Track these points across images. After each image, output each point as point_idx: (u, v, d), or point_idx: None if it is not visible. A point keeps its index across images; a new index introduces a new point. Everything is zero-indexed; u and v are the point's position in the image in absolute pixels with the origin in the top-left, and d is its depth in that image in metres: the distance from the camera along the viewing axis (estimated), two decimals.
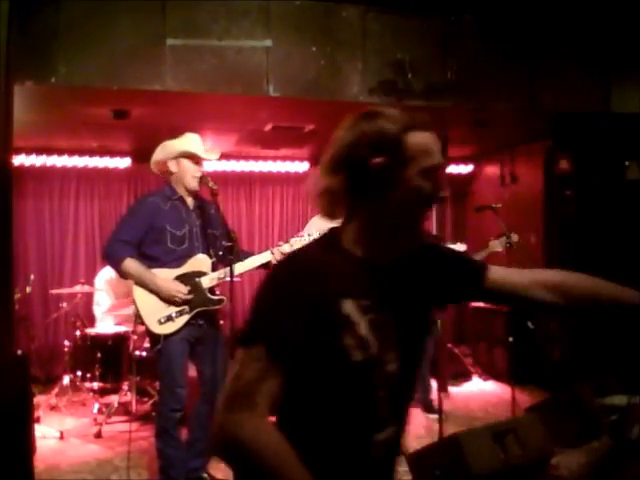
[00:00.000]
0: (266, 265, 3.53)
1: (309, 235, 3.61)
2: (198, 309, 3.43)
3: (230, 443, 1.20)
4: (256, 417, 1.18)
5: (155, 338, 3.42)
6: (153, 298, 3.39)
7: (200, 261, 3.49)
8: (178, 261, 3.44)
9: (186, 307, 3.41)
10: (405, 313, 1.33)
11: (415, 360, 1.39)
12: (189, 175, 3.48)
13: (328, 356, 1.24)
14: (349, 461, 1.29)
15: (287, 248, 3.49)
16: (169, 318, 3.38)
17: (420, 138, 1.27)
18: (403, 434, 1.38)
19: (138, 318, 3.44)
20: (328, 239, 1.34)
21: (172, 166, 3.51)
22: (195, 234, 3.51)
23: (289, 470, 1.17)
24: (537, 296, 1.39)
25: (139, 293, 3.40)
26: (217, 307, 3.55)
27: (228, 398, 1.21)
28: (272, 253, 3.49)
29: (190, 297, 3.40)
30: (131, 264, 3.35)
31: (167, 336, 3.38)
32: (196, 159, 3.47)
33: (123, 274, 3.42)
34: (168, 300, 3.38)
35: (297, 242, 3.57)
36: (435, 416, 5.19)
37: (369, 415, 1.29)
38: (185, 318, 3.40)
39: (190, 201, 3.55)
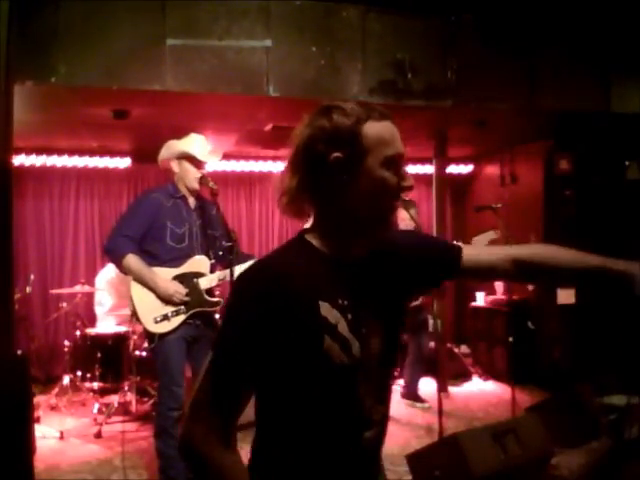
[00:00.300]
0: None
1: None
2: (194, 310, 3.44)
3: (185, 450, 1.25)
4: (207, 431, 1.21)
5: (150, 336, 3.43)
6: (151, 296, 3.39)
7: (199, 262, 3.49)
8: (177, 260, 3.44)
9: (182, 307, 3.42)
10: (382, 307, 1.33)
11: (395, 351, 1.39)
12: (190, 176, 3.49)
13: (309, 361, 1.22)
14: (338, 461, 1.28)
15: None
16: (165, 317, 3.38)
17: (376, 128, 1.24)
18: (386, 424, 1.38)
19: (134, 316, 3.44)
20: (297, 240, 1.32)
21: (174, 166, 3.53)
22: (195, 234, 3.51)
23: None
24: (504, 269, 1.42)
25: (137, 290, 3.41)
26: (213, 309, 3.55)
27: (190, 406, 1.24)
28: None
29: (187, 299, 3.41)
30: (132, 260, 3.35)
31: (163, 335, 3.38)
32: (197, 161, 3.48)
33: (123, 269, 3.42)
34: (165, 299, 3.38)
35: None
36: (422, 405, 5.25)
37: (356, 414, 1.28)
38: (181, 318, 3.41)
39: (192, 201, 3.56)
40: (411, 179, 1.29)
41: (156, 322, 3.38)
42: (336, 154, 1.23)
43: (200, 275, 3.47)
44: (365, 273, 1.31)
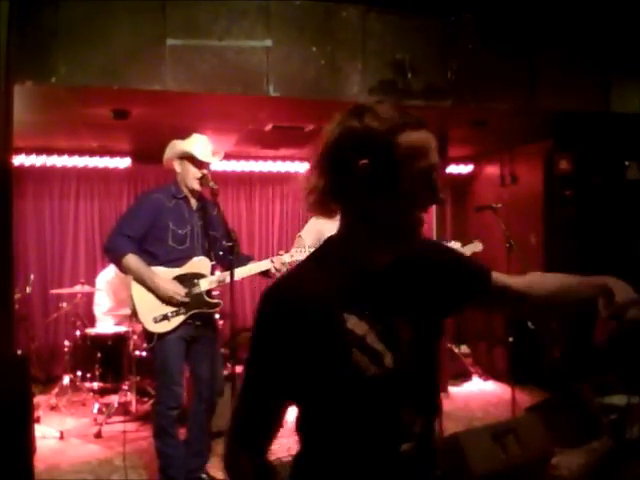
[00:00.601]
0: (265, 273, 3.55)
1: (309, 247, 3.67)
2: (194, 311, 3.44)
3: (227, 472, 1.28)
4: (244, 453, 1.24)
5: (149, 336, 3.43)
6: (151, 296, 3.40)
7: (200, 263, 3.49)
8: (178, 261, 3.45)
9: (182, 308, 3.42)
10: (414, 316, 1.27)
11: (432, 361, 1.34)
12: (190, 176, 3.49)
13: (340, 375, 1.19)
14: (376, 473, 1.24)
15: (287, 258, 3.53)
16: (165, 317, 3.39)
17: (411, 139, 1.17)
18: (432, 437, 1.33)
19: (134, 314, 3.45)
20: (321, 251, 1.29)
21: (176, 166, 3.54)
22: (196, 235, 3.51)
23: None
24: (534, 297, 1.38)
25: (137, 290, 3.41)
26: (213, 311, 3.56)
27: (229, 429, 1.27)
28: (272, 262, 3.50)
29: (187, 300, 3.41)
30: (132, 260, 3.35)
31: (162, 335, 3.38)
32: (198, 162, 3.48)
33: (123, 269, 3.43)
34: (165, 300, 3.38)
35: (297, 253, 3.61)
36: None
37: (393, 425, 1.24)
38: (180, 318, 3.41)
39: (194, 202, 3.57)
40: (443, 191, 1.22)
41: (156, 322, 3.38)
42: (364, 161, 1.17)
43: (201, 276, 3.47)
44: (393, 282, 1.26)
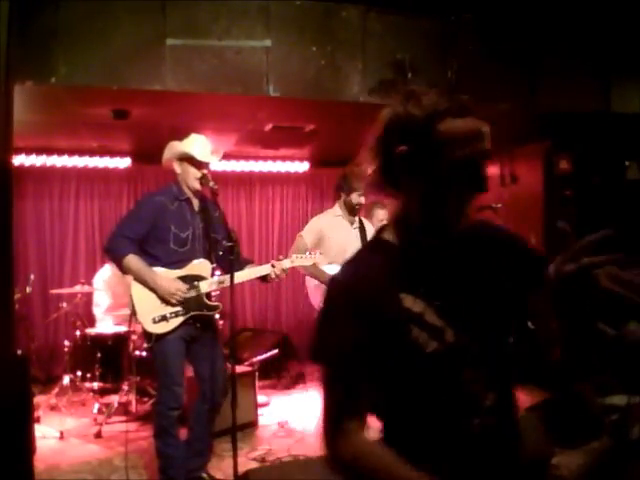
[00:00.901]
0: (264, 278, 3.55)
1: (311, 253, 3.74)
2: (193, 313, 3.44)
3: (342, 470, 1.26)
4: (349, 440, 1.24)
5: (148, 336, 3.43)
6: (151, 296, 3.39)
7: (200, 265, 3.49)
8: (179, 263, 3.45)
9: (181, 309, 3.42)
10: (474, 293, 1.27)
11: (505, 336, 1.33)
12: (190, 176, 3.49)
13: (403, 353, 1.21)
14: (451, 447, 1.24)
15: (288, 264, 3.54)
16: (163, 318, 3.39)
17: (452, 126, 1.17)
18: (509, 412, 1.31)
19: (133, 315, 3.45)
20: (375, 237, 1.32)
21: (176, 167, 3.53)
22: (198, 237, 3.51)
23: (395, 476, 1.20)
24: None
25: (137, 290, 3.41)
26: (212, 313, 3.55)
27: (323, 427, 1.27)
28: (273, 266, 3.51)
29: (188, 296, 3.41)
30: (133, 260, 3.36)
31: (161, 335, 3.39)
32: (197, 162, 3.48)
33: (124, 270, 3.43)
34: (166, 298, 3.38)
35: (298, 259, 3.62)
36: None
37: (461, 399, 1.24)
38: (179, 320, 3.42)
39: (196, 203, 3.56)
40: (486, 183, 1.21)
41: (154, 322, 3.38)
42: (402, 147, 1.18)
43: (201, 278, 3.47)
44: (446, 262, 1.26)
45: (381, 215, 5.27)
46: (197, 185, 3.50)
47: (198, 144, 3.52)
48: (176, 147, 3.53)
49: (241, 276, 3.44)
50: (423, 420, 1.25)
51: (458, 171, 1.17)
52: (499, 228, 1.45)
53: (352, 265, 1.30)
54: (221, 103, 4.55)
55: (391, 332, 1.21)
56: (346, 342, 1.21)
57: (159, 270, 3.41)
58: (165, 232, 3.41)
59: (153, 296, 3.39)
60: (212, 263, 3.53)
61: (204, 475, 3.61)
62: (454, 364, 1.23)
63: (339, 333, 1.23)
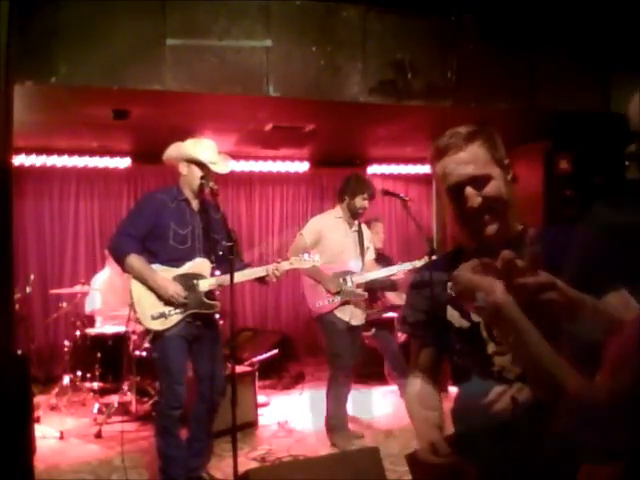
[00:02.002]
0: (262, 279, 3.56)
1: (309, 255, 3.79)
2: (192, 311, 3.45)
3: (406, 397, 1.78)
4: (412, 379, 1.74)
5: (147, 333, 3.46)
6: (150, 294, 3.42)
7: (200, 264, 3.51)
8: (178, 261, 3.46)
9: (180, 307, 3.43)
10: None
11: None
12: (197, 181, 3.50)
13: (443, 326, 1.62)
14: (481, 409, 1.52)
15: (286, 266, 3.56)
16: (162, 315, 3.41)
17: (443, 165, 1.55)
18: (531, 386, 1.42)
19: (132, 310, 3.46)
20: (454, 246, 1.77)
21: (183, 168, 3.54)
22: (197, 236, 3.52)
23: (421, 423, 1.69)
24: None
25: (136, 287, 3.44)
26: (210, 312, 3.55)
27: (407, 368, 2.00)
28: (268, 270, 3.52)
29: (186, 301, 3.42)
30: (134, 260, 3.38)
31: (160, 333, 3.40)
32: (206, 170, 3.49)
33: (126, 268, 3.45)
34: (165, 299, 3.39)
35: (297, 261, 3.64)
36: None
37: (486, 369, 1.53)
38: (178, 317, 3.43)
39: (195, 204, 3.58)
40: (473, 199, 1.52)
41: (153, 318, 3.40)
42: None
43: (200, 277, 3.48)
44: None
45: (378, 228, 5.39)
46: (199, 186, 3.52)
47: (211, 152, 3.54)
48: (186, 149, 3.53)
49: (239, 277, 3.45)
50: (462, 382, 1.64)
51: (451, 197, 1.55)
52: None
53: (427, 264, 1.95)
54: (221, 103, 4.55)
55: (440, 310, 1.63)
56: (413, 317, 1.73)
57: (159, 269, 3.41)
58: (165, 229, 3.43)
59: (152, 294, 3.41)
60: (212, 263, 3.53)
61: (204, 475, 3.61)
62: (479, 339, 1.54)
63: (410, 312, 1.74)
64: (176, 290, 3.39)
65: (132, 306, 3.44)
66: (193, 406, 3.59)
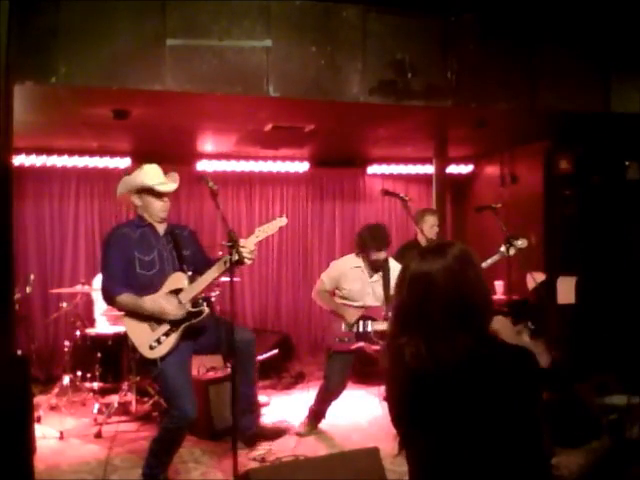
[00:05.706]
0: (240, 262, 3.44)
1: (275, 219, 3.91)
2: (182, 325, 3.48)
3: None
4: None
5: (152, 363, 3.47)
6: (142, 326, 3.48)
7: (176, 278, 3.54)
8: (149, 287, 3.48)
9: (169, 326, 3.47)
10: None
11: None
12: (152, 207, 3.56)
13: None
14: None
15: (254, 240, 3.58)
16: (157, 341, 3.47)
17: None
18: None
19: (134, 349, 3.51)
20: None
21: (135, 200, 3.60)
22: (165, 258, 3.57)
23: None
24: None
25: (129, 325, 3.51)
26: (200, 319, 3.54)
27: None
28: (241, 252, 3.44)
29: (181, 313, 3.45)
30: (125, 298, 3.44)
31: (162, 357, 3.44)
32: (156, 192, 3.53)
33: (119, 308, 3.56)
34: (161, 317, 3.44)
35: (263, 231, 3.79)
36: None
37: None
38: (173, 338, 3.48)
39: (160, 227, 3.62)
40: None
41: (151, 348, 3.46)
42: None
43: (179, 291, 3.50)
44: None
45: (431, 221, 5.17)
46: (162, 215, 3.58)
47: (154, 174, 3.56)
48: (132, 181, 3.58)
49: (211, 273, 3.46)
50: None
51: None
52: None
53: None
54: (221, 103, 4.55)
55: None
56: None
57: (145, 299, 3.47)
58: (131, 259, 3.49)
59: (144, 325, 3.47)
60: (186, 272, 3.55)
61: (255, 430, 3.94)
62: None
63: None
64: (167, 304, 3.44)
65: (132, 345, 3.51)
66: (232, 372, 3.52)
